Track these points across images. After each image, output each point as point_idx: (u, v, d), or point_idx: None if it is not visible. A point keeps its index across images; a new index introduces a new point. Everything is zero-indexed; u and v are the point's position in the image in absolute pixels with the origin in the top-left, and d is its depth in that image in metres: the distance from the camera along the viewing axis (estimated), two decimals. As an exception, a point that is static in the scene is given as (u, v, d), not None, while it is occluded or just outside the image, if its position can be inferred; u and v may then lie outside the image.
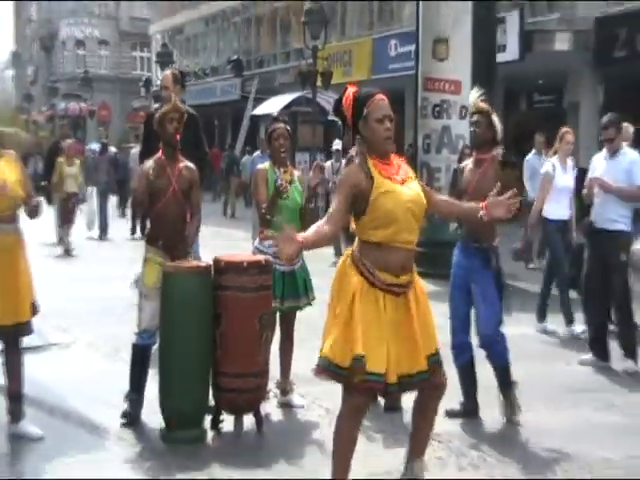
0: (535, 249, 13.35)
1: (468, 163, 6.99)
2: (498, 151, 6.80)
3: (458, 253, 6.87)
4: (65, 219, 17.21)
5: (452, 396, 6.72)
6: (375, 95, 4.89)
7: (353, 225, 4.97)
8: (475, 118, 6.82)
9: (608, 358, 8.56)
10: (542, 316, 10.14)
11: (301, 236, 4.59)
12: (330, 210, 4.84)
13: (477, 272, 6.68)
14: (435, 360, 4.94)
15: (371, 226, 4.80)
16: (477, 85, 7.35)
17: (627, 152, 8.64)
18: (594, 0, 21.80)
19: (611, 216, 8.44)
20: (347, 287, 4.79)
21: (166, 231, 6.62)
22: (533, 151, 14.94)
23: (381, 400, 6.30)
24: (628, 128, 9.82)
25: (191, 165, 6.84)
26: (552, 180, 9.67)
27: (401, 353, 4.82)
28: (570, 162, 9.97)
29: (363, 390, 4.76)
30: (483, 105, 6.81)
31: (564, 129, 10.59)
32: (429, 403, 5.08)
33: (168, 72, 8.79)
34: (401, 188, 4.82)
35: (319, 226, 4.75)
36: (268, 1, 38.81)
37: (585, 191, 8.85)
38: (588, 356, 8.65)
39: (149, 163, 6.71)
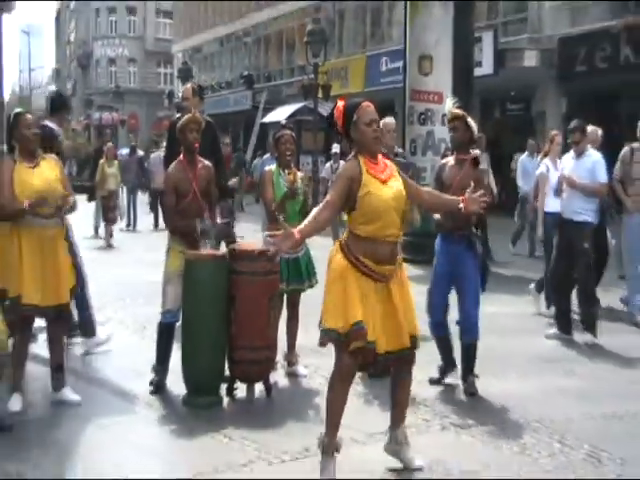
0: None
1: (450, 160, 6.92)
2: (476, 151, 6.77)
3: (441, 242, 6.82)
4: (107, 217, 16.87)
5: (434, 365, 6.81)
6: (362, 103, 4.90)
7: (345, 217, 4.98)
8: (453, 124, 6.75)
9: (571, 332, 8.59)
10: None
11: (297, 230, 4.62)
12: (327, 198, 4.83)
13: (461, 256, 6.63)
14: (415, 340, 4.95)
15: (360, 221, 4.80)
16: (456, 96, 7.37)
17: (591, 154, 8.65)
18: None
19: (576, 209, 8.48)
20: (338, 268, 4.79)
21: (187, 224, 6.62)
22: (526, 153, 15.01)
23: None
24: (597, 131, 9.81)
25: (208, 163, 6.86)
26: (547, 180, 9.61)
27: (387, 331, 4.82)
28: (559, 161, 9.96)
29: (355, 355, 4.75)
30: (458, 111, 6.74)
31: (553, 132, 10.61)
32: (406, 376, 5.08)
33: (189, 85, 8.77)
34: (384, 188, 4.80)
35: (317, 213, 4.78)
36: (275, 23, 38.80)
37: (555, 185, 8.93)
38: (553, 330, 8.67)
39: (172, 171, 6.74)
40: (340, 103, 4.93)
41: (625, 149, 9.83)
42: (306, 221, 4.78)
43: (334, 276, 4.80)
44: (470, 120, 6.71)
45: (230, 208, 11.35)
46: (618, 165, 9.72)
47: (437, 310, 6.79)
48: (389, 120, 7.95)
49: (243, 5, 41.75)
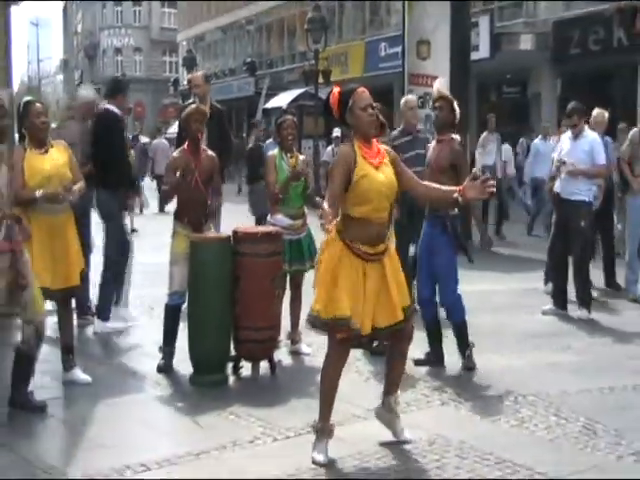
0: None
1: (433, 142, 6.88)
2: (457, 137, 6.65)
3: (425, 223, 6.79)
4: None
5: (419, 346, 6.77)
6: (357, 88, 4.88)
7: None
8: (438, 103, 6.65)
9: (566, 308, 8.57)
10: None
11: (328, 207, 4.62)
12: (331, 192, 4.76)
13: (436, 238, 6.58)
14: (409, 310, 4.97)
15: (352, 202, 4.78)
16: (453, 79, 7.34)
17: (588, 134, 8.59)
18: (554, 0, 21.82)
19: (573, 189, 8.43)
20: (332, 253, 4.77)
21: (191, 211, 6.66)
22: (539, 136, 14.85)
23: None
24: (604, 114, 9.70)
25: (212, 154, 6.85)
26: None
27: (379, 310, 4.83)
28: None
29: (342, 340, 4.79)
30: (445, 91, 6.70)
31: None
32: (402, 348, 5.07)
33: (199, 73, 8.80)
34: (376, 173, 4.78)
35: (329, 192, 4.77)
36: (276, 11, 38.66)
37: (553, 169, 8.87)
38: (549, 306, 8.66)
39: (175, 157, 6.73)
40: (335, 89, 4.90)
41: (635, 130, 9.73)
42: (327, 200, 4.74)
43: (327, 265, 4.77)
44: (455, 104, 6.64)
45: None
46: (626, 145, 9.60)
47: (423, 285, 6.72)
48: (411, 97, 7.89)
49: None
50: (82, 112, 8.24)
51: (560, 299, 8.60)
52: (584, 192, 8.46)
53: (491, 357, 6.90)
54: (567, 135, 8.72)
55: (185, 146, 6.76)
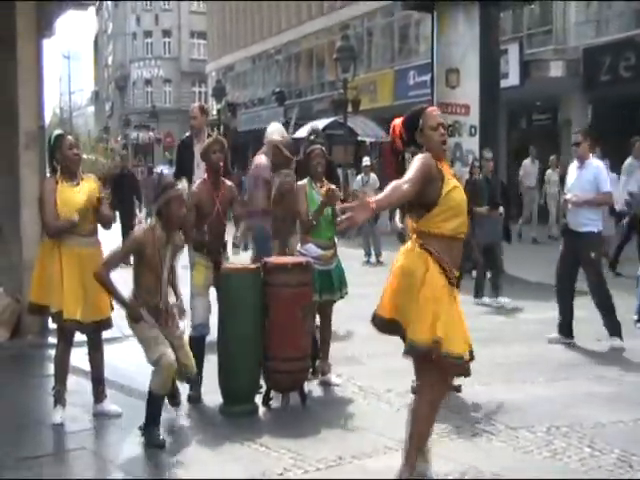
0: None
1: None
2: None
3: None
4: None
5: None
6: (427, 108, 4.74)
7: (410, 223, 4.69)
8: None
9: (572, 336, 8.47)
10: None
11: (373, 200, 4.19)
12: (410, 175, 4.41)
13: None
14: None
15: (442, 218, 4.50)
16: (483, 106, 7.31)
17: (592, 162, 8.59)
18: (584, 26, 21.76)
19: (582, 220, 8.38)
20: (433, 280, 4.46)
21: (211, 241, 6.72)
22: (630, 157, 14.26)
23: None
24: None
25: (231, 184, 6.94)
26: None
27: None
28: None
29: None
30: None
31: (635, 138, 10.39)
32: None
33: (196, 104, 8.88)
34: (459, 186, 4.69)
35: (396, 185, 4.35)
36: (305, 41, 38.97)
37: (562, 203, 8.88)
38: (554, 334, 8.53)
39: (196, 190, 6.78)
40: (397, 121, 4.74)
41: None
42: (383, 194, 4.33)
43: (433, 289, 4.46)
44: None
45: None
46: None
47: None
48: None
49: (274, 24, 42.00)
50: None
51: (564, 327, 8.53)
52: (593, 222, 8.41)
53: (523, 387, 6.86)
54: (574, 165, 8.69)
55: (205, 177, 6.84)
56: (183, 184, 5.96)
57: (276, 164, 7.99)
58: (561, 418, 6.08)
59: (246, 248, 9.98)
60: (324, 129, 29.36)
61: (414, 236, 4.62)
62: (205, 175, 6.87)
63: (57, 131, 6.42)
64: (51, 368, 6.45)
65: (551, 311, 9.78)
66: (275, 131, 8.35)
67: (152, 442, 5.58)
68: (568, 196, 8.51)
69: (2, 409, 6.31)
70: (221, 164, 6.77)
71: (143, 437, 5.63)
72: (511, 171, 21.90)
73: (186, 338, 6.07)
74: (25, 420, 6.11)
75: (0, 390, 6.78)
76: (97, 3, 68.55)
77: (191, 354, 5.97)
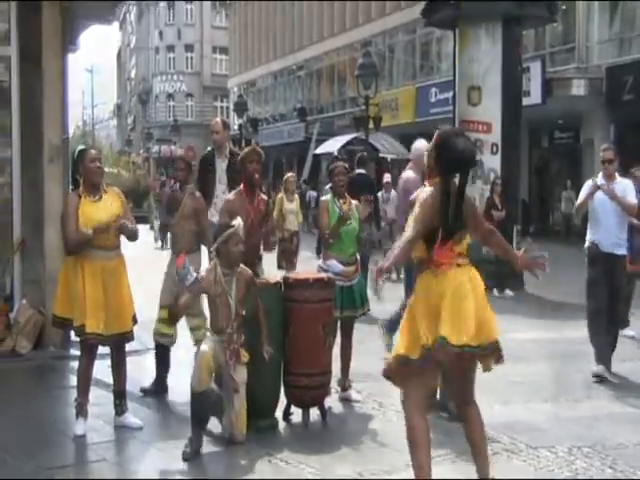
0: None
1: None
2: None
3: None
4: (288, 262, 12.93)
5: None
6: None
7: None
8: None
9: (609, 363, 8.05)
10: None
11: (379, 265, 4.36)
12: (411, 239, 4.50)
13: None
14: None
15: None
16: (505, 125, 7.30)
17: (621, 180, 8.34)
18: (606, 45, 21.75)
19: (616, 240, 8.04)
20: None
21: (245, 253, 6.72)
22: None
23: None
24: None
25: (265, 197, 6.95)
26: None
27: None
28: None
29: None
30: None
31: None
32: None
33: (218, 119, 8.92)
34: None
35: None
36: (327, 57, 39.13)
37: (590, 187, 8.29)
38: (600, 368, 7.86)
39: (231, 201, 6.83)
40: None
41: None
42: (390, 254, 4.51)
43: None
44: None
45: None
46: None
47: None
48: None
49: (296, 40, 42.21)
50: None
51: (604, 356, 7.94)
52: (624, 243, 8.13)
53: (545, 406, 6.83)
54: (589, 183, 8.24)
55: (241, 188, 6.87)
56: (238, 221, 6.02)
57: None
58: (583, 438, 6.04)
59: None
60: (345, 145, 29.53)
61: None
62: (241, 186, 6.89)
63: (81, 146, 6.48)
64: (73, 380, 6.47)
65: (572, 330, 9.75)
66: (423, 147, 8.22)
67: (187, 447, 5.64)
68: (600, 181, 8.07)
69: (25, 420, 6.32)
70: (257, 176, 6.81)
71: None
72: (532, 189, 21.88)
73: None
74: (47, 431, 6.11)
75: (23, 401, 6.82)
76: (121, 18, 69.25)
77: (244, 416, 5.91)
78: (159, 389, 7.28)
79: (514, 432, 6.21)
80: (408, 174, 8.15)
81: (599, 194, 8.14)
